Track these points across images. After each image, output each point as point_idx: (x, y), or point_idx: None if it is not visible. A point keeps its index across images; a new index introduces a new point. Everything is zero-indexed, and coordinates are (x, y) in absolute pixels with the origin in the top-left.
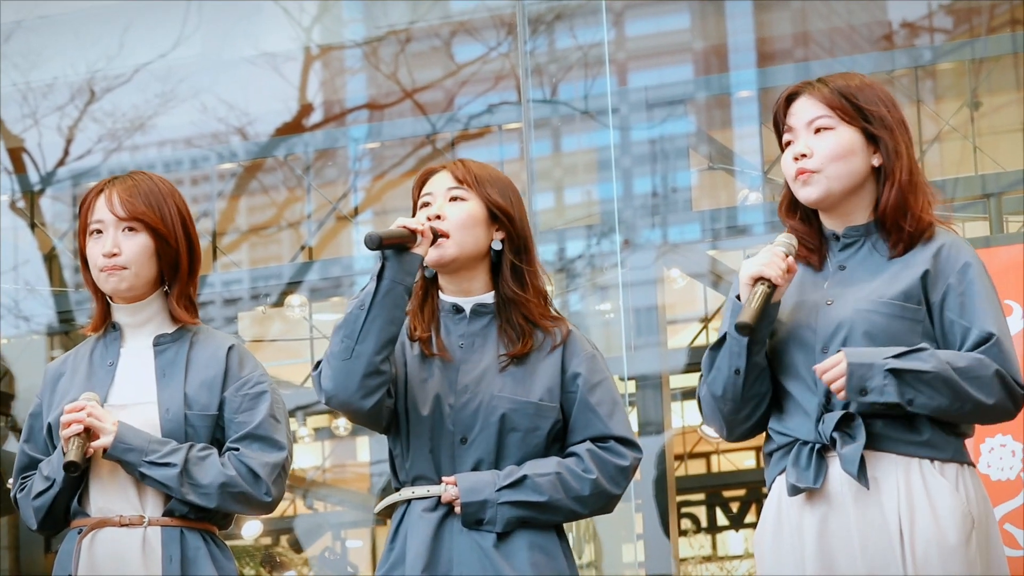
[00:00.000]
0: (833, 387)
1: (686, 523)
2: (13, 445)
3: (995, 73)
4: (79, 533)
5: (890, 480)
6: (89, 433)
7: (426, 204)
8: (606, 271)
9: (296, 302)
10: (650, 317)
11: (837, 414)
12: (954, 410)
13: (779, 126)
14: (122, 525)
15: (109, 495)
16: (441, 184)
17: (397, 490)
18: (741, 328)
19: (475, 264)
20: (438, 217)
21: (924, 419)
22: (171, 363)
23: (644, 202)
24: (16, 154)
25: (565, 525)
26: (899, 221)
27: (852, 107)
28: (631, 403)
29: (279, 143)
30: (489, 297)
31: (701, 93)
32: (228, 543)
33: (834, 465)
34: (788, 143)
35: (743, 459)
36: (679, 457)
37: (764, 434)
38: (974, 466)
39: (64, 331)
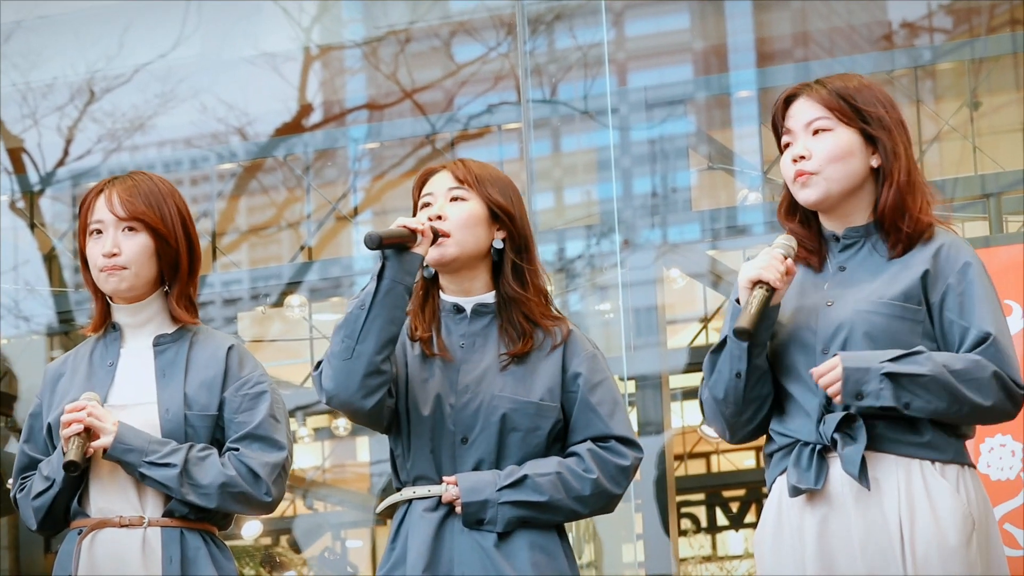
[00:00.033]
0: (829, 391)
1: (686, 523)
2: (15, 446)
3: (995, 73)
4: (79, 534)
5: (891, 481)
6: (89, 433)
7: (427, 204)
8: (606, 271)
9: (296, 302)
10: (650, 317)
11: (838, 415)
12: (952, 413)
13: (778, 128)
14: (122, 526)
15: (109, 496)
16: (442, 184)
17: (398, 490)
18: (740, 334)
19: (476, 264)
20: (439, 218)
21: (925, 420)
22: (171, 363)
23: (644, 202)
24: (16, 154)
25: (565, 525)
26: (897, 222)
27: (850, 108)
28: (631, 403)
29: (279, 143)
30: (490, 297)
31: (701, 93)
32: (228, 543)
33: (835, 466)
34: (787, 145)
35: (743, 459)
36: (679, 457)
37: (764, 435)
38: (975, 467)
39: (64, 331)
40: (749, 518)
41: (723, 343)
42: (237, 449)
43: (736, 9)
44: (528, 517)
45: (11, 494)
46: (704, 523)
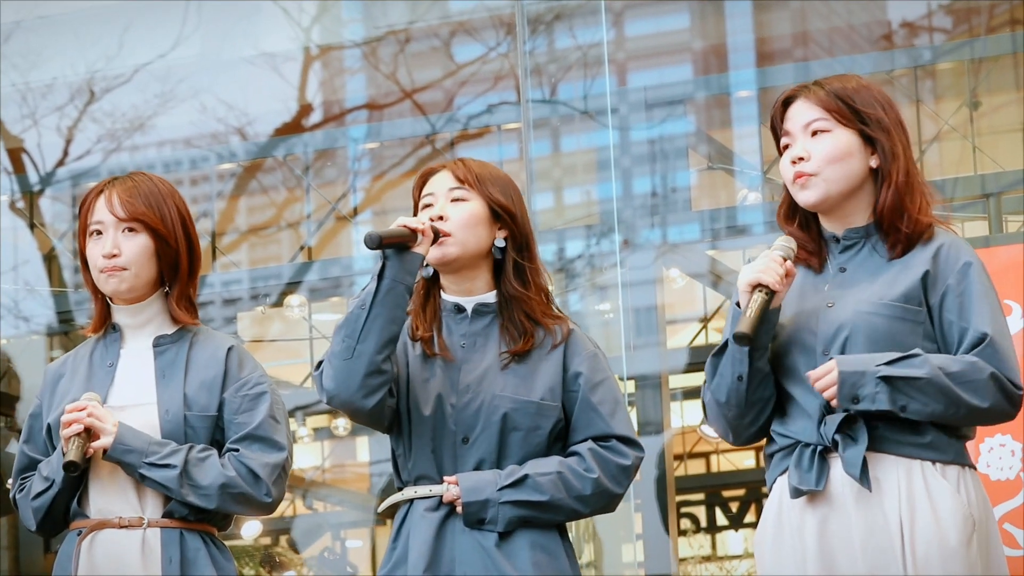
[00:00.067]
0: (825, 395)
1: (686, 523)
2: (16, 446)
3: (994, 73)
4: (78, 534)
5: (891, 482)
6: (89, 433)
7: (428, 205)
8: (605, 271)
9: (295, 302)
10: (649, 317)
11: (839, 416)
12: (949, 415)
13: (776, 130)
14: (121, 526)
15: (109, 496)
16: (442, 184)
17: (399, 490)
18: (739, 339)
19: (477, 263)
20: (440, 218)
21: (926, 421)
22: (171, 364)
23: (643, 202)
24: (15, 154)
25: (566, 525)
26: (896, 222)
27: (848, 109)
28: (630, 403)
29: (278, 143)
30: (491, 296)
31: (700, 93)
32: (227, 543)
33: (835, 466)
34: (786, 147)
35: (742, 459)
36: (679, 457)
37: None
38: (975, 468)
39: (64, 331)
40: (749, 518)
41: (725, 346)
42: (237, 450)
43: (736, 9)
44: (529, 517)
45: (10, 494)
46: (704, 523)
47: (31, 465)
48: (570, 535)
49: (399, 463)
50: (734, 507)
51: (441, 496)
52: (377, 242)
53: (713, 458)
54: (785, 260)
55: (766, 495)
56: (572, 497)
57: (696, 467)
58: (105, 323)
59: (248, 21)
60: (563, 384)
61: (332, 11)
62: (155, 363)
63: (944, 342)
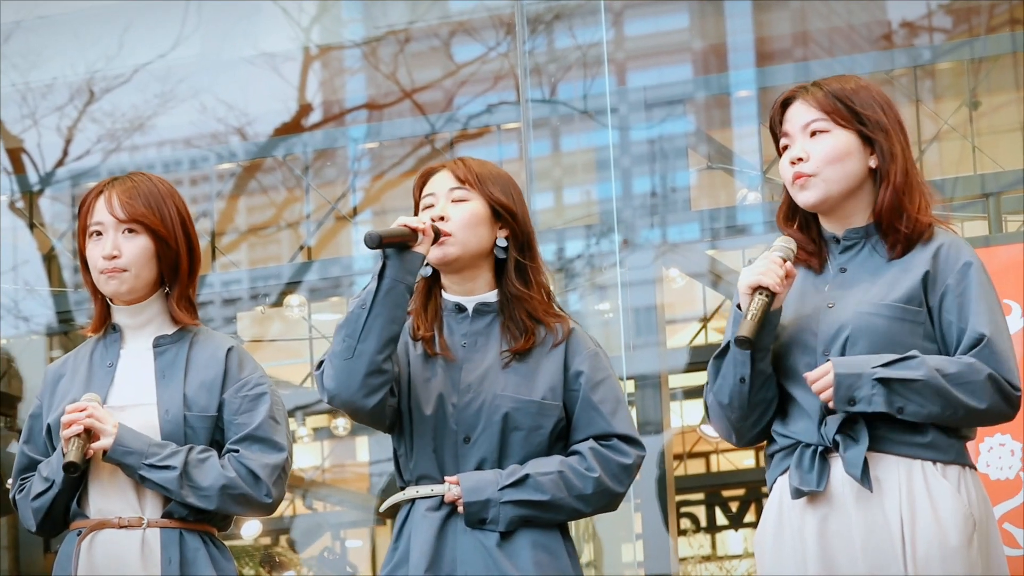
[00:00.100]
0: (822, 397)
1: (685, 523)
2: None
3: (994, 73)
4: (78, 535)
5: (892, 482)
6: (90, 434)
7: (429, 205)
8: (605, 271)
9: (295, 302)
10: (649, 317)
11: (839, 416)
12: (947, 416)
13: (776, 131)
14: (121, 527)
15: (108, 497)
16: (443, 184)
17: (401, 489)
18: (741, 343)
19: (478, 263)
20: (442, 219)
21: (924, 423)
22: (170, 364)
23: (643, 202)
24: (15, 154)
25: (567, 524)
26: (895, 223)
27: (847, 110)
28: (630, 403)
29: (278, 143)
30: (492, 296)
31: (700, 93)
32: (227, 543)
33: (836, 466)
34: (785, 148)
35: (742, 459)
36: (678, 457)
37: None
38: (975, 468)
39: (63, 331)
40: (749, 518)
41: (726, 348)
42: (237, 451)
43: (735, 9)
44: (530, 516)
45: (10, 495)
46: (704, 523)
47: (31, 465)
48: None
49: (401, 463)
50: (734, 507)
51: (443, 496)
52: (377, 241)
53: (713, 458)
54: (785, 261)
55: (766, 495)
56: (573, 496)
57: (696, 467)
58: (105, 323)
59: (248, 21)
60: (564, 383)
61: (332, 11)
62: (155, 363)
63: (944, 342)
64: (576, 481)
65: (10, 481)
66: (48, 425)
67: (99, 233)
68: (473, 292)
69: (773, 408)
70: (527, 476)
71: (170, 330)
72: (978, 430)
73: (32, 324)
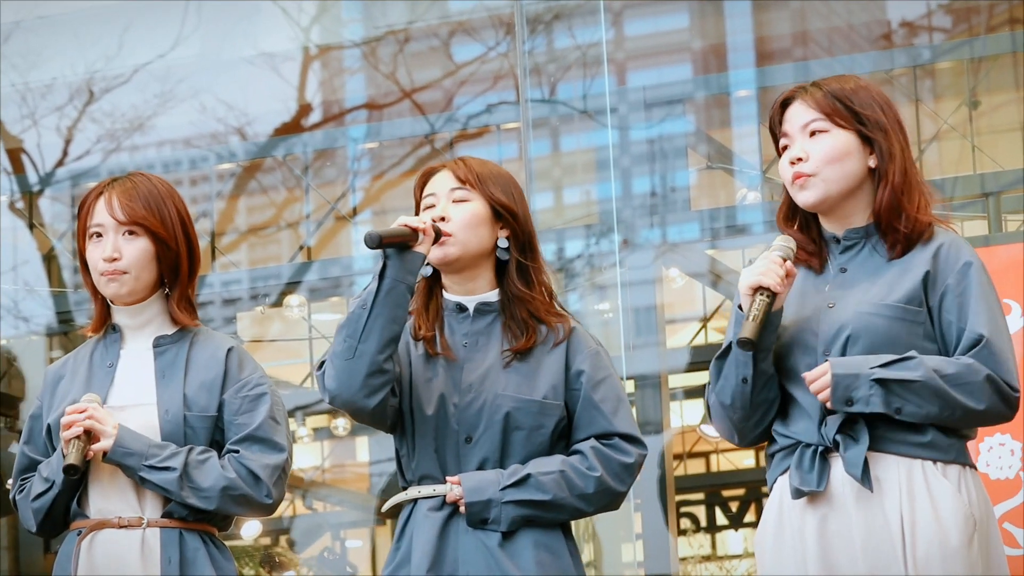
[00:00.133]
0: (820, 397)
1: (685, 523)
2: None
3: (994, 72)
4: (78, 535)
5: (892, 481)
6: (89, 435)
7: (430, 205)
8: (605, 271)
9: (295, 302)
10: (649, 317)
11: (840, 416)
12: (945, 417)
13: (775, 132)
14: (121, 527)
15: (108, 497)
16: (443, 184)
17: (403, 489)
18: (743, 344)
19: (479, 263)
20: (442, 219)
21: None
22: (170, 364)
23: (643, 202)
24: (15, 155)
25: (570, 524)
26: (894, 222)
27: (846, 110)
28: (630, 403)
29: (278, 143)
30: (493, 295)
31: (700, 92)
32: (227, 543)
33: (836, 466)
34: (784, 148)
35: (742, 458)
36: (678, 457)
37: None
38: (976, 468)
39: (63, 331)
40: (748, 517)
41: (728, 348)
42: (237, 451)
43: (735, 8)
44: (532, 516)
45: (11, 495)
46: (704, 522)
47: (31, 466)
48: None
49: (403, 463)
50: (734, 507)
51: (444, 496)
52: (377, 242)
53: (713, 458)
54: (785, 261)
55: (766, 495)
56: (575, 496)
57: (696, 467)
58: (105, 324)
59: (247, 21)
60: (565, 382)
61: (331, 11)
62: (155, 363)
63: (944, 342)
64: (578, 480)
65: (10, 481)
66: (48, 426)
67: (99, 235)
68: (474, 292)
69: (775, 408)
70: (529, 476)
71: (170, 330)
72: (978, 429)
73: (32, 324)
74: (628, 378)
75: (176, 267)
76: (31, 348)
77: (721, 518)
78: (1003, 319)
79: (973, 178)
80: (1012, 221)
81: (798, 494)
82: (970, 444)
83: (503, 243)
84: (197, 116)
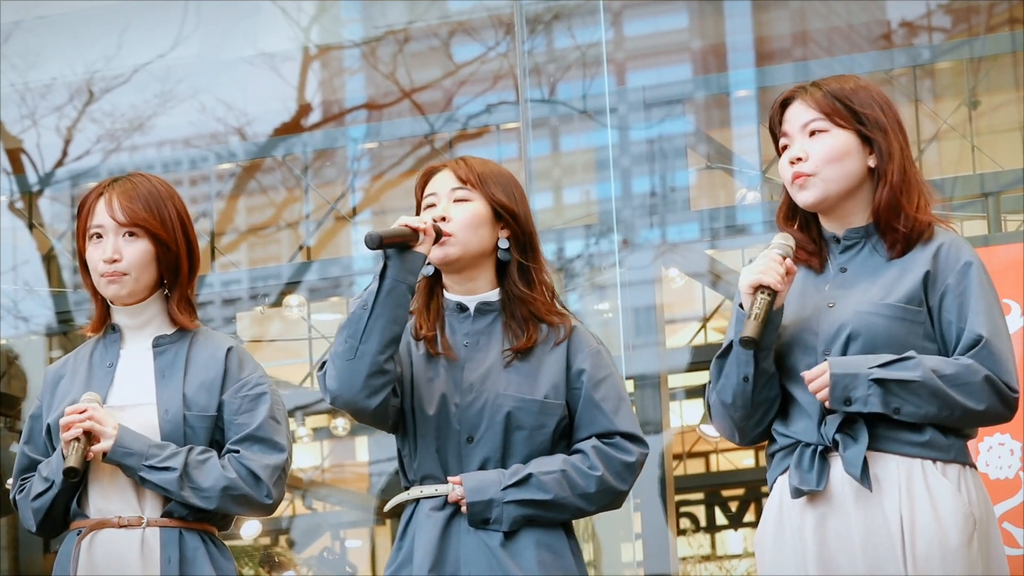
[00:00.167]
0: (818, 396)
1: (685, 522)
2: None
3: (993, 72)
4: (78, 534)
5: (892, 481)
6: (89, 436)
7: (431, 205)
8: (604, 271)
9: (295, 302)
10: (648, 317)
11: (839, 416)
12: (943, 417)
13: (775, 131)
14: (120, 526)
15: (108, 496)
16: (444, 184)
17: (406, 489)
18: (745, 343)
19: (479, 263)
20: (443, 219)
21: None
22: (170, 364)
23: (642, 202)
24: (15, 155)
25: (573, 523)
26: (892, 222)
27: (846, 110)
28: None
29: (278, 143)
30: (494, 295)
31: (699, 93)
32: (227, 543)
33: (836, 466)
34: (784, 148)
35: (742, 458)
36: (678, 456)
37: None
38: (976, 467)
39: (63, 331)
40: (748, 517)
41: (729, 347)
42: (237, 451)
43: (735, 8)
44: (534, 516)
45: (11, 495)
46: (703, 522)
47: (31, 466)
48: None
49: (405, 463)
50: (733, 506)
51: (446, 496)
52: (377, 242)
53: (712, 457)
54: (784, 258)
55: (765, 494)
56: (576, 495)
57: (695, 466)
58: (104, 323)
59: (247, 21)
60: (566, 381)
61: (331, 11)
62: (155, 363)
63: (943, 342)
64: (579, 480)
65: (10, 481)
66: (48, 426)
67: (99, 236)
68: (475, 291)
69: (776, 407)
70: (530, 475)
71: (170, 330)
72: (978, 429)
73: (32, 324)
74: (627, 378)
75: (176, 268)
76: (31, 348)
77: (721, 518)
78: (1003, 319)
79: (973, 178)
80: (1012, 221)
81: (797, 493)
82: (970, 444)
83: (503, 243)
84: (197, 116)
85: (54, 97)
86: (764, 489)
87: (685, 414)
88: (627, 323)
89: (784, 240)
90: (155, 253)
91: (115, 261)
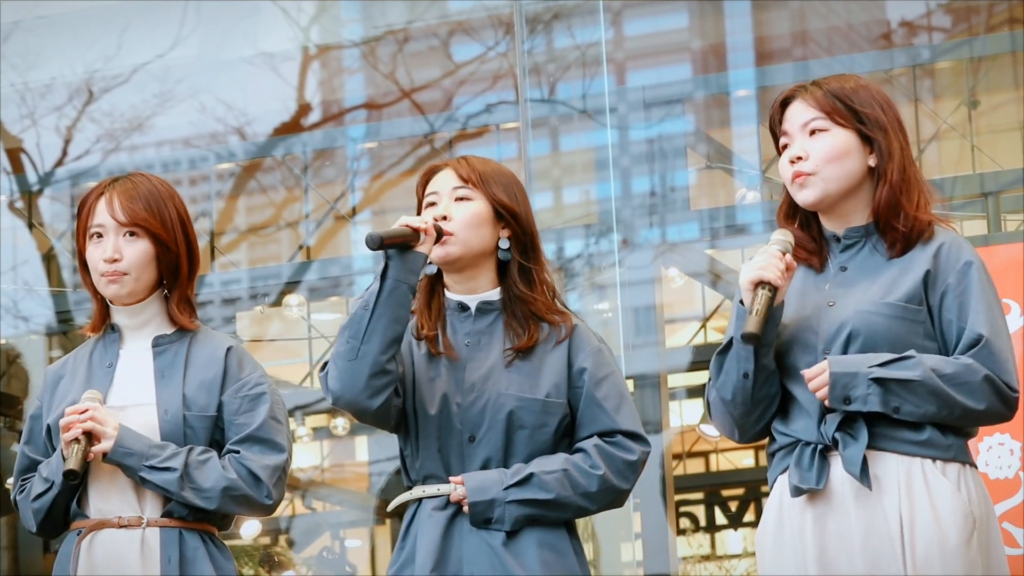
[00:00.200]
0: (818, 395)
1: (685, 522)
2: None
3: (993, 72)
4: (78, 535)
5: (891, 480)
6: (89, 437)
7: (432, 204)
8: (604, 270)
9: (294, 302)
10: (648, 316)
11: (839, 415)
12: (943, 416)
13: (775, 131)
14: (120, 526)
15: (108, 497)
16: (446, 183)
17: (408, 489)
18: (748, 338)
19: (480, 262)
20: (444, 218)
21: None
22: (170, 364)
23: (642, 201)
24: (14, 154)
25: (576, 522)
26: (892, 221)
27: (846, 109)
28: None
29: (277, 143)
30: (495, 294)
31: (699, 92)
32: (227, 543)
33: (836, 465)
34: (784, 147)
35: (741, 458)
36: (678, 456)
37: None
38: (975, 466)
39: (63, 331)
40: (748, 517)
41: (729, 344)
42: (238, 451)
43: (735, 8)
44: (535, 515)
45: (12, 496)
46: (703, 522)
47: (32, 466)
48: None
49: (407, 463)
50: (733, 506)
51: (448, 495)
52: (378, 243)
53: (712, 457)
54: (784, 254)
55: (765, 494)
56: (578, 494)
57: (695, 466)
58: (104, 323)
59: (247, 21)
60: (568, 380)
61: (331, 11)
62: (154, 363)
63: (944, 341)
64: (581, 479)
65: (10, 480)
66: (48, 426)
67: (100, 235)
68: (476, 291)
69: (776, 404)
70: (532, 475)
71: (169, 330)
72: (978, 428)
73: (31, 324)
74: (627, 378)
75: (176, 268)
76: (31, 348)
77: (720, 518)
78: (1003, 319)
79: (972, 178)
80: (1011, 221)
81: (797, 492)
82: (969, 443)
83: (504, 243)
84: (196, 116)
85: (54, 97)
86: (764, 489)
87: (685, 414)
88: (627, 323)
89: (783, 236)
90: (155, 253)
91: (115, 261)
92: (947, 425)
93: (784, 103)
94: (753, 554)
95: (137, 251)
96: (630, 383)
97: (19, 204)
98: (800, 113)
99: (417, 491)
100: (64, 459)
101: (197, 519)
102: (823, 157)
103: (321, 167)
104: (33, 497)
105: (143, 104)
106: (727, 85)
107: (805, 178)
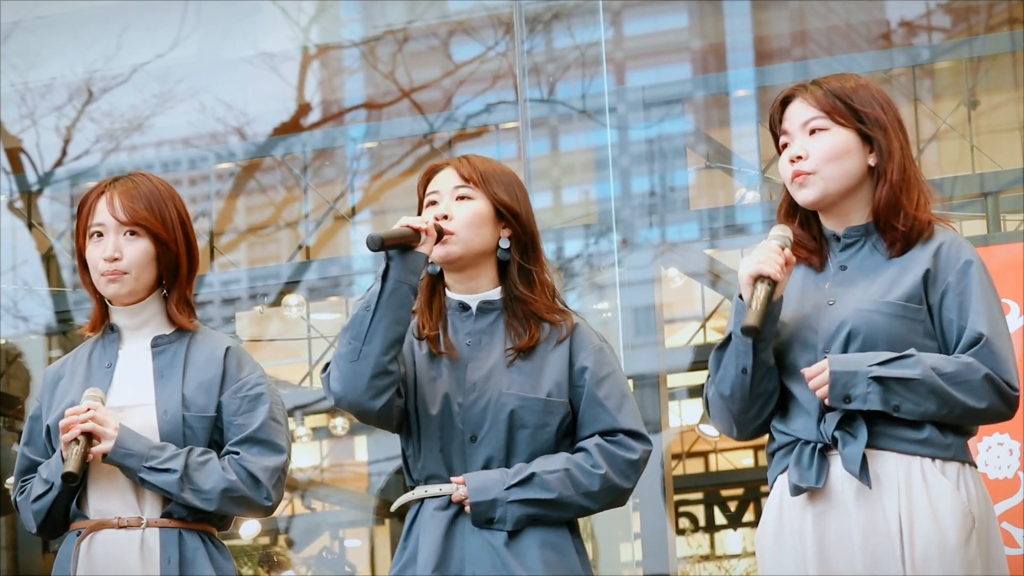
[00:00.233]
0: (818, 394)
1: (684, 522)
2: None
3: (993, 72)
4: (77, 535)
5: (891, 478)
6: (89, 438)
7: (433, 203)
8: (604, 270)
9: (294, 302)
10: (648, 316)
11: (839, 413)
12: (943, 415)
13: (775, 130)
14: (120, 527)
15: (108, 497)
16: (447, 182)
17: (410, 489)
18: (747, 331)
19: (481, 262)
20: (445, 217)
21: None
22: (169, 364)
23: (642, 201)
24: (14, 154)
25: (578, 521)
26: (892, 220)
27: (846, 108)
28: None
29: (277, 143)
30: (495, 294)
31: (699, 92)
32: (226, 543)
33: (835, 464)
34: (784, 146)
35: (741, 458)
36: (677, 456)
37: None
38: (975, 466)
39: (62, 331)
40: (747, 517)
41: (728, 340)
42: (237, 452)
43: (734, 8)
44: (537, 515)
45: (12, 497)
46: (702, 522)
47: (32, 467)
48: None
49: (409, 463)
50: (732, 506)
51: (450, 495)
52: (379, 244)
53: (711, 457)
54: (783, 249)
55: (765, 494)
56: (580, 494)
57: (694, 466)
58: (103, 323)
59: (247, 21)
60: (569, 379)
61: (330, 11)
62: (153, 363)
63: (944, 340)
64: (582, 478)
65: (10, 480)
66: (48, 427)
67: (100, 234)
68: (477, 290)
69: (774, 401)
70: (533, 475)
71: (168, 330)
72: (978, 427)
73: (31, 324)
74: (627, 378)
75: (175, 268)
76: (31, 348)
77: (720, 518)
78: (1003, 318)
79: (972, 178)
80: (1011, 221)
81: (797, 491)
82: (969, 443)
83: (504, 244)
84: (196, 116)
85: (54, 97)
86: (763, 489)
87: (684, 414)
88: (626, 323)
89: (782, 231)
90: (155, 253)
91: (115, 260)
92: (947, 424)
93: (784, 102)
94: (753, 554)
95: (137, 250)
96: (629, 383)
97: (19, 204)
98: (800, 112)
99: (419, 491)
100: (63, 460)
101: (196, 520)
102: (823, 156)
103: (321, 167)
104: (33, 498)
105: (143, 104)
106: (727, 85)
107: (805, 177)
